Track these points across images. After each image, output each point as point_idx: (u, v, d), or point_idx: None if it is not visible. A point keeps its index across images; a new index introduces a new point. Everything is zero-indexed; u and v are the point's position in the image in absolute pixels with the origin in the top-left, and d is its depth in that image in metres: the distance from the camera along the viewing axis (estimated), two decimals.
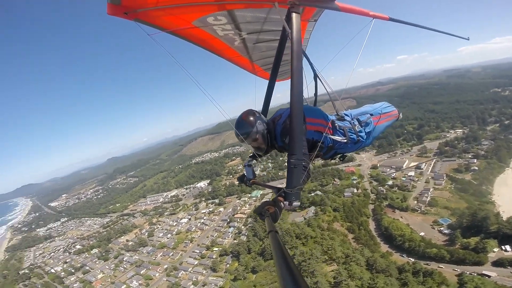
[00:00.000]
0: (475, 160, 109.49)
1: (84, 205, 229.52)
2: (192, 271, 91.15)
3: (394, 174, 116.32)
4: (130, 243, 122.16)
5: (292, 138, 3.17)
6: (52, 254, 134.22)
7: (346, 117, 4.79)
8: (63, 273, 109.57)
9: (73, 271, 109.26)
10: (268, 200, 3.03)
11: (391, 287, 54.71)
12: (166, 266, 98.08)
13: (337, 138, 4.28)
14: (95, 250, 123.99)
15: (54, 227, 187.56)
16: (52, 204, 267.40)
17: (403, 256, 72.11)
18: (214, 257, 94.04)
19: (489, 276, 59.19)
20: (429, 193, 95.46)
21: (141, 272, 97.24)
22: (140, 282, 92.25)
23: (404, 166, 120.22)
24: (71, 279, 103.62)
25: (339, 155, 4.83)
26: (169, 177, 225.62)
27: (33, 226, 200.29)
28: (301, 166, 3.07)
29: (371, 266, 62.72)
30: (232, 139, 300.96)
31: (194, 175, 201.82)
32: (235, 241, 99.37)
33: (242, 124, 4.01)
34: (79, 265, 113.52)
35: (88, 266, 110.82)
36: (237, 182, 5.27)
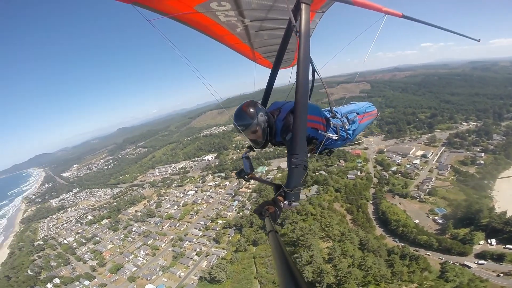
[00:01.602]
0: (483, 154, 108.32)
1: (95, 175, 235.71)
2: (196, 242, 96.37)
3: (400, 160, 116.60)
4: (139, 213, 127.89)
5: (295, 137, 3.08)
6: (65, 225, 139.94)
7: (337, 114, 4.88)
8: (75, 243, 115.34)
9: (84, 241, 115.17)
10: (267, 199, 3.01)
11: (378, 267, 57.89)
12: (172, 236, 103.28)
13: (331, 135, 4.38)
14: (105, 221, 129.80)
15: (67, 197, 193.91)
16: (64, 175, 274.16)
17: (396, 241, 74.29)
18: (217, 229, 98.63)
19: (469, 267, 61.87)
20: (431, 182, 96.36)
21: (148, 243, 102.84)
22: (147, 252, 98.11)
23: (410, 153, 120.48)
24: (82, 249, 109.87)
25: (327, 151, 4.90)
26: (177, 148, 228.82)
27: (46, 197, 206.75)
28: (302, 166, 3.02)
29: (364, 246, 66.12)
30: None
31: (202, 147, 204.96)
32: (238, 214, 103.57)
33: (242, 115, 3.92)
34: (90, 235, 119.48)
35: (99, 237, 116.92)
36: (236, 177, 5.18)
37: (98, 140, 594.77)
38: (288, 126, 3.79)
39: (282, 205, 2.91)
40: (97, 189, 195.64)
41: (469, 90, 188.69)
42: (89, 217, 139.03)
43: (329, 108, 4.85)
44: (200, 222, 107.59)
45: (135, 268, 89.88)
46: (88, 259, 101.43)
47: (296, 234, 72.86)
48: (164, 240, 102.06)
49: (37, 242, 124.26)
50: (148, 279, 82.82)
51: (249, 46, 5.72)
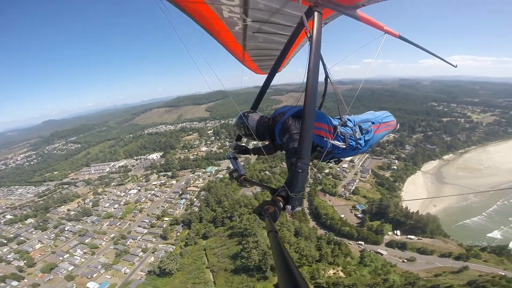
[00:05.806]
0: (396, 161, 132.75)
1: (13, 172, 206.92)
2: (141, 239, 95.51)
3: (332, 164, 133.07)
4: (72, 212, 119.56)
5: (302, 141, 3.02)
6: None
7: (349, 123, 4.70)
8: None
9: (5, 241, 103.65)
10: (267, 200, 2.99)
11: (309, 249, 68.82)
12: (113, 235, 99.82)
13: (337, 143, 4.27)
14: (30, 220, 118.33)
15: None
16: None
17: (327, 233, 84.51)
18: (164, 226, 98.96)
19: (381, 254, 75.70)
20: (355, 183, 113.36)
21: (86, 241, 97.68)
22: (84, 250, 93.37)
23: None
24: (3, 250, 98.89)
25: (335, 159, 4.79)
26: (117, 146, 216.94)
27: None
28: (307, 171, 2.97)
29: (298, 233, 76.77)
30: (191, 114, 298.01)
31: (146, 146, 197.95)
32: (186, 211, 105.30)
33: (240, 117, 4.60)
34: (12, 235, 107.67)
35: (23, 237, 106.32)
36: (229, 178, 5.19)
37: (17, 132, 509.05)
38: (285, 129, 3.86)
39: (282, 205, 2.90)
40: (16, 186, 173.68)
41: (393, 105, 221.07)
42: (8, 216, 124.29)
43: (339, 116, 4.82)
44: (145, 220, 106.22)
45: (72, 267, 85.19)
46: (12, 259, 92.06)
47: (243, 225, 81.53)
48: (104, 239, 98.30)
49: None
50: (89, 277, 79.83)
51: (241, 47, 5.81)
